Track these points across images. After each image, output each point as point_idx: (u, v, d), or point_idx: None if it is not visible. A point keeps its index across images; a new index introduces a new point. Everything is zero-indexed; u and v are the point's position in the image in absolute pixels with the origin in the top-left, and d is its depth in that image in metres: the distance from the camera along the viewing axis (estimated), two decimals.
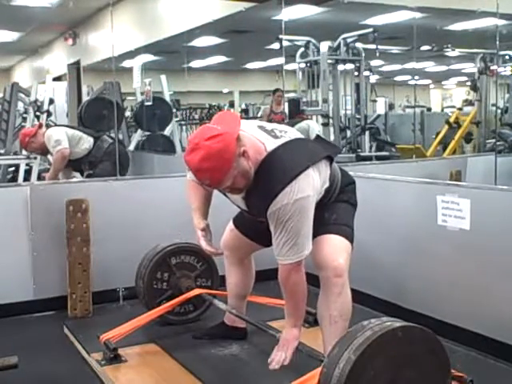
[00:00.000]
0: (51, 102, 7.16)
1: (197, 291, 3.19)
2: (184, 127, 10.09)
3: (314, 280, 2.49)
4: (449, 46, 8.27)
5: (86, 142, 4.99)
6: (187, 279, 3.27)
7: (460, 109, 8.18)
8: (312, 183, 2.28)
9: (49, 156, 6.69)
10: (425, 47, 8.04)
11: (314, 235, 2.40)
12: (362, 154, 6.51)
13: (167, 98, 8.01)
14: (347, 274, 2.42)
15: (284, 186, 2.21)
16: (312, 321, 3.07)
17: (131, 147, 7.46)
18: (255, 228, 2.61)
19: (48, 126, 7.10)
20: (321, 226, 2.44)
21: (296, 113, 6.37)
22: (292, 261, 2.31)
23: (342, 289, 2.39)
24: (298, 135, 2.52)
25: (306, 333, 2.90)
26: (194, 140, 2.17)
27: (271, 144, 2.30)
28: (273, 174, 2.24)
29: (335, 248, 2.42)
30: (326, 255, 2.40)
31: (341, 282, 2.38)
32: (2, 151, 6.79)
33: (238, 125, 2.24)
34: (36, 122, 6.75)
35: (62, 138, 4.79)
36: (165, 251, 3.26)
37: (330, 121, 6.46)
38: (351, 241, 2.49)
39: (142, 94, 7.82)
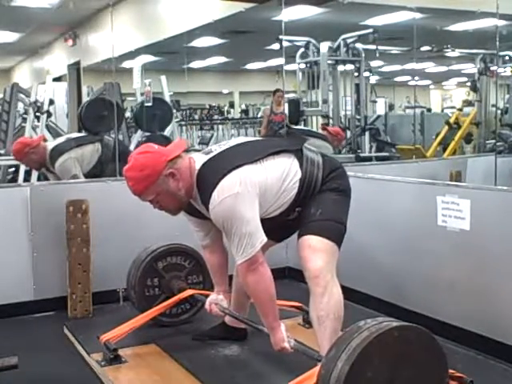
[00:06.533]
0: (51, 102, 7.16)
1: (189, 292, 3.16)
2: (184, 128, 10.10)
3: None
4: (449, 46, 8.28)
5: (95, 152, 4.82)
6: (178, 280, 3.26)
7: (460, 109, 8.17)
8: (236, 182, 2.32)
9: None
10: (425, 48, 8.04)
11: (298, 235, 2.46)
12: (361, 154, 6.52)
13: (167, 98, 8.01)
14: (330, 273, 2.40)
15: (210, 193, 2.33)
16: None
17: (131, 148, 7.46)
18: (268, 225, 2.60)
19: (48, 128, 7.11)
20: (304, 225, 2.47)
21: (296, 113, 6.35)
22: (243, 259, 2.34)
23: (325, 289, 2.37)
24: (242, 140, 2.63)
25: (307, 333, 2.91)
26: (133, 152, 2.49)
27: (200, 161, 2.45)
28: (203, 185, 2.39)
29: (313, 250, 2.41)
30: (304, 258, 2.42)
31: (322, 283, 2.37)
32: (2, 152, 6.79)
33: (179, 150, 2.44)
34: (36, 123, 6.76)
35: (78, 171, 4.48)
36: (150, 257, 3.25)
37: (330, 121, 6.46)
38: (337, 237, 2.46)
39: (142, 94, 7.81)
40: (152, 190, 2.40)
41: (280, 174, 2.45)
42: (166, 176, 2.38)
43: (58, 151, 4.47)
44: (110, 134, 6.68)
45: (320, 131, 6.18)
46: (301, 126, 6.61)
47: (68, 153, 4.48)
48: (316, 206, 2.48)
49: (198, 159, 2.47)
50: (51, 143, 4.65)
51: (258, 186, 2.38)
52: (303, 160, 2.50)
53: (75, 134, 5.29)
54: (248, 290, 2.46)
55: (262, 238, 2.36)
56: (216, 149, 2.52)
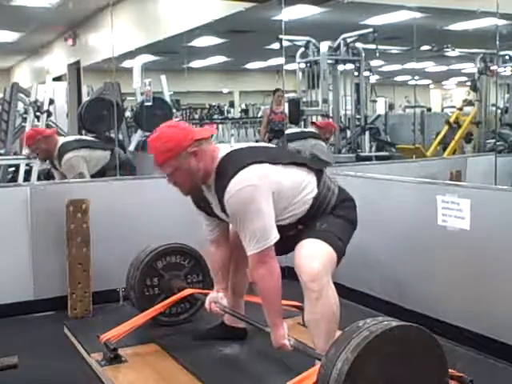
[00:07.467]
0: (51, 102, 7.13)
1: (188, 291, 3.16)
2: None
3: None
4: (449, 46, 8.27)
5: (103, 158, 4.79)
6: (177, 279, 3.26)
7: (460, 109, 8.16)
8: (256, 174, 2.34)
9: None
10: (425, 47, 8.04)
11: (300, 241, 2.44)
12: (362, 154, 6.52)
13: (167, 98, 8.01)
14: (327, 277, 2.36)
15: (230, 179, 2.33)
16: None
17: (131, 147, 7.45)
18: None
19: (48, 127, 7.08)
20: (307, 234, 2.47)
21: (296, 113, 6.34)
22: (255, 251, 2.34)
23: (321, 293, 2.34)
24: (267, 145, 2.71)
25: (307, 332, 2.90)
26: (162, 124, 2.50)
27: (224, 151, 2.48)
28: (222, 173, 2.40)
29: (312, 252, 2.40)
30: (301, 259, 2.39)
31: (317, 287, 2.34)
32: (2, 151, 6.78)
33: (207, 134, 2.46)
34: (36, 123, 6.75)
35: (85, 169, 4.54)
36: (149, 257, 3.25)
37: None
38: (337, 249, 2.44)
39: (142, 94, 7.82)
40: (172, 163, 2.39)
41: (298, 184, 2.48)
42: (189, 154, 2.39)
43: (68, 147, 4.53)
44: (110, 134, 6.68)
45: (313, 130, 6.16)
46: (293, 129, 6.53)
47: (77, 150, 4.54)
48: (321, 222, 2.50)
49: (222, 149, 2.49)
50: (63, 139, 4.69)
51: (276, 186, 2.39)
52: (321, 182, 2.53)
53: (89, 138, 5.27)
54: (255, 282, 2.45)
55: (276, 235, 2.36)
56: (240, 146, 2.57)
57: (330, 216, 2.53)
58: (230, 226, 2.80)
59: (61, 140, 4.62)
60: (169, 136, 2.39)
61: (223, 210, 2.44)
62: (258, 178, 2.33)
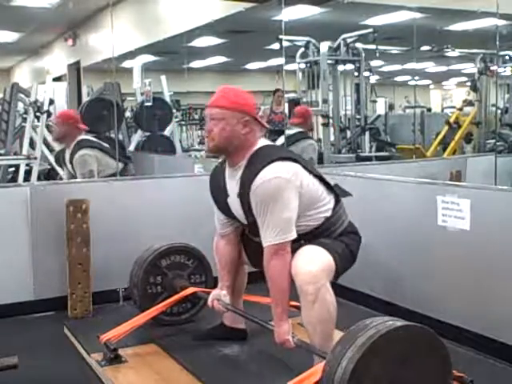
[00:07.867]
0: (51, 102, 7.15)
1: (191, 290, 3.17)
2: (184, 127, 10.10)
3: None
4: (449, 46, 8.27)
5: (113, 168, 4.80)
6: (180, 279, 3.27)
7: (460, 109, 8.16)
8: (291, 170, 2.40)
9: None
10: (425, 47, 8.04)
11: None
12: (362, 154, 6.51)
13: (167, 98, 8.01)
14: (323, 281, 2.35)
15: (260, 169, 2.38)
16: None
17: (131, 148, 7.46)
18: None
19: (48, 127, 7.10)
20: (309, 243, 2.48)
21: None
22: (274, 242, 2.37)
23: (317, 296, 2.33)
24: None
25: (306, 332, 2.90)
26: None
27: (262, 142, 2.57)
28: (254, 161, 2.46)
29: (311, 256, 2.41)
30: (299, 262, 2.40)
31: (313, 290, 2.32)
32: (2, 151, 6.78)
33: (264, 124, 2.62)
34: (36, 123, 6.77)
35: (95, 168, 4.55)
36: (154, 255, 3.26)
37: (330, 121, 6.45)
38: (336, 260, 2.44)
39: (142, 94, 7.82)
40: (224, 113, 2.48)
41: (318, 197, 2.52)
42: (241, 120, 2.48)
43: (85, 143, 4.57)
44: (110, 134, 6.69)
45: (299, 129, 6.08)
46: (289, 131, 6.47)
47: (92, 149, 4.58)
48: (326, 239, 2.52)
49: (262, 141, 2.58)
50: (84, 136, 4.74)
51: (304, 189, 2.43)
52: (337, 207, 2.58)
53: (106, 145, 5.29)
54: (268, 274, 2.44)
55: (294, 233, 2.40)
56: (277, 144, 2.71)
57: (335, 239, 2.55)
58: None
59: (82, 136, 4.66)
60: (242, 95, 2.54)
61: (242, 203, 2.46)
62: (288, 172, 2.38)
